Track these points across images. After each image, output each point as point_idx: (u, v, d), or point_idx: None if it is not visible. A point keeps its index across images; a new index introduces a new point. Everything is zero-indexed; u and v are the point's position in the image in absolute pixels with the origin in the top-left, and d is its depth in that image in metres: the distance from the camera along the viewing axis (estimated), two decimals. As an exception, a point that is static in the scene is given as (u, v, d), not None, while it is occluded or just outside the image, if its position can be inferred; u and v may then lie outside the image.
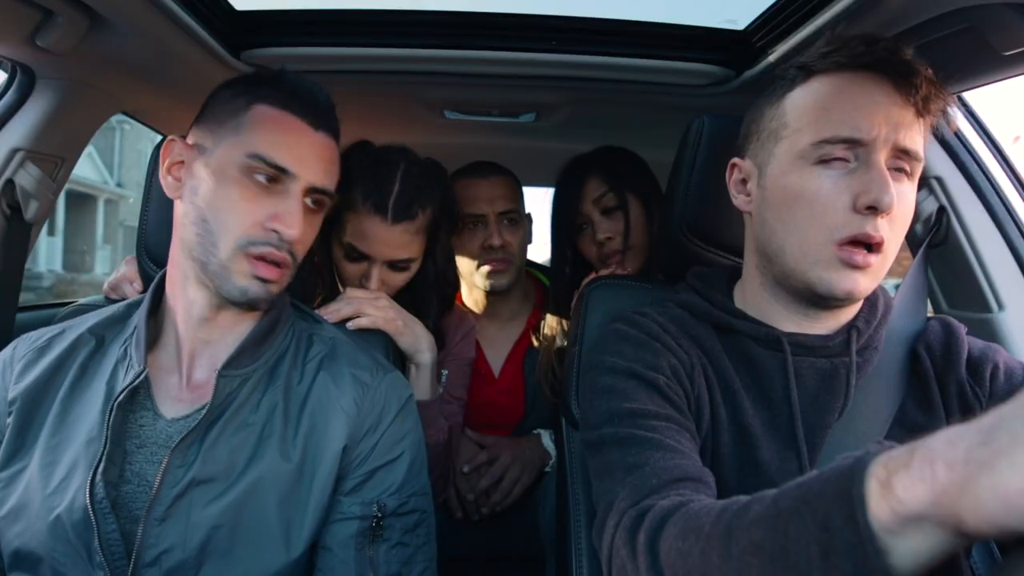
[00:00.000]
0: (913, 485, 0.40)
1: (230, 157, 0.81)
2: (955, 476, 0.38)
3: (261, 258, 0.81)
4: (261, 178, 0.81)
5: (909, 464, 0.41)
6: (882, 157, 0.72)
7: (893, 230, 0.73)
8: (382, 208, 1.14)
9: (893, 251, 0.75)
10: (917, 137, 0.73)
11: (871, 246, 0.72)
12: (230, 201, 0.80)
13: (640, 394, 0.76)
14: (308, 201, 0.85)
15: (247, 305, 0.84)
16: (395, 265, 1.20)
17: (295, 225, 0.81)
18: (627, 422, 0.73)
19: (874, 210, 0.70)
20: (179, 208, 0.85)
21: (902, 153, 0.72)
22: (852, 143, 0.72)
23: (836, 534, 0.43)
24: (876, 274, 0.74)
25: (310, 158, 0.84)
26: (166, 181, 0.85)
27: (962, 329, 0.84)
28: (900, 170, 0.73)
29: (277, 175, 0.81)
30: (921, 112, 0.72)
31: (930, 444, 0.40)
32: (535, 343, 1.58)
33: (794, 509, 0.47)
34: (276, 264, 0.82)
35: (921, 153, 0.73)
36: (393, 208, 1.14)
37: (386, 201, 1.14)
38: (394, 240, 1.16)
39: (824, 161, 0.73)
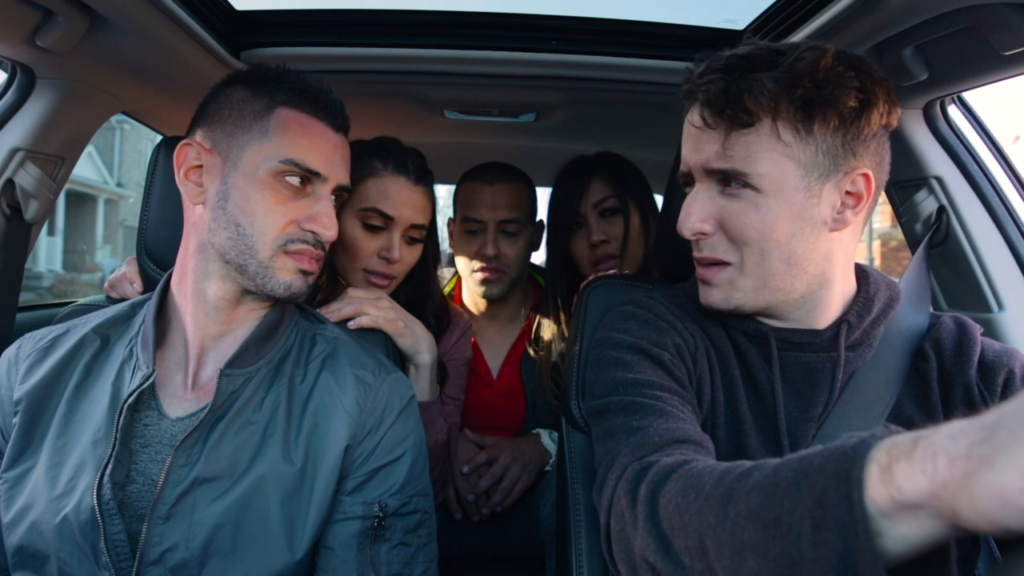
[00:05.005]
0: (913, 475, 0.40)
1: (259, 161, 0.82)
2: (955, 471, 0.38)
3: (299, 253, 0.84)
4: (293, 181, 0.84)
5: (911, 453, 0.41)
6: (702, 185, 0.78)
7: (737, 247, 0.76)
8: (404, 169, 1.19)
9: (752, 263, 0.76)
10: (732, 153, 0.73)
11: (712, 263, 0.78)
12: (264, 205, 0.82)
13: (645, 367, 0.78)
14: (332, 199, 0.88)
15: (289, 298, 0.86)
16: (411, 234, 1.22)
17: (332, 227, 0.86)
18: (631, 391, 0.75)
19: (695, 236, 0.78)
20: (199, 212, 0.85)
21: (715, 173, 0.76)
22: (687, 177, 0.80)
23: (830, 511, 0.44)
24: (731, 285, 0.78)
25: (336, 159, 0.88)
26: (186, 187, 0.86)
27: (977, 330, 0.83)
28: (732, 186, 0.75)
29: (309, 178, 0.85)
30: (734, 125, 0.73)
31: (933, 437, 0.41)
32: (530, 351, 1.58)
33: (793, 481, 0.48)
34: (313, 258, 0.86)
35: (743, 167, 0.73)
36: (415, 169, 1.20)
37: (407, 163, 1.20)
38: (416, 202, 1.21)
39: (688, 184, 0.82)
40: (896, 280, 0.90)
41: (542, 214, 1.67)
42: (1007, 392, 0.76)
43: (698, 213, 0.77)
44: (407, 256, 1.23)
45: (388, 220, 1.19)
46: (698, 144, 0.77)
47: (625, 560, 0.64)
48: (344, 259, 1.22)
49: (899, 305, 0.84)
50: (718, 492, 0.54)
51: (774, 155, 0.72)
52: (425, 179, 1.24)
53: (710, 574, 0.53)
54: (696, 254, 0.81)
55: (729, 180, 0.75)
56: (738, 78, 0.72)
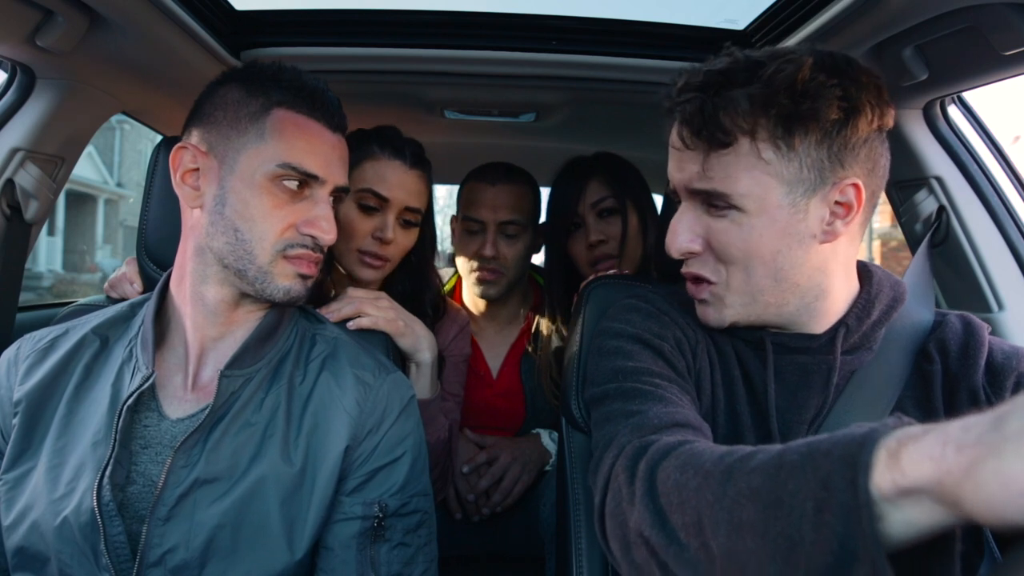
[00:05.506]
0: (920, 460, 0.41)
1: (257, 165, 0.82)
2: (962, 458, 0.38)
3: (298, 258, 0.84)
4: (291, 184, 0.83)
5: (921, 440, 0.41)
6: (688, 204, 0.78)
7: (724, 265, 0.76)
8: (401, 153, 1.22)
9: (738, 282, 0.76)
10: (712, 175, 0.73)
11: (698, 279, 0.79)
12: (262, 210, 0.82)
13: (645, 357, 0.78)
14: (330, 201, 0.88)
15: (288, 302, 0.86)
16: (406, 217, 1.24)
17: (331, 231, 0.85)
18: (631, 378, 0.76)
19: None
20: (196, 216, 0.85)
21: (698, 193, 0.75)
22: (675, 194, 0.80)
23: (834, 494, 0.44)
24: (720, 302, 0.79)
25: (334, 161, 0.87)
26: (183, 191, 0.85)
27: (984, 330, 0.80)
28: (713, 206, 0.75)
29: (307, 181, 0.84)
30: (712, 146, 0.72)
31: (946, 427, 0.41)
32: (529, 349, 1.58)
33: (799, 464, 0.48)
34: (312, 262, 0.86)
35: (723, 188, 0.73)
36: (411, 155, 1.23)
37: (403, 149, 1.23)
38: (411, 185, 1.23)
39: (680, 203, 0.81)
40: (901, 279, 0.89)
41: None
42: (1016, 395, 0.75)
43: (684, 233, 0.77)
44: (401, 239, 1.24)
45: (383, 202, 1.21)
46: (680, 164, 0.76)
47: (618, 536, 0.64)
48: (339, 240, 1.22)
49: (903, 306, 0.82)
50: (718, 470, 0.54)
51: (755, 174, 0.71)
52: (421, 165, 1.26)
53: (705, 551, 0.53)
54: (684, 269, 0.81)
55: (712, 200, 0.74)
56: (713, 96, 0.71)
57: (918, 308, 0.86)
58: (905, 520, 0.42)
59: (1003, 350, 0.78)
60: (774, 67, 0.70)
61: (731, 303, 0.78)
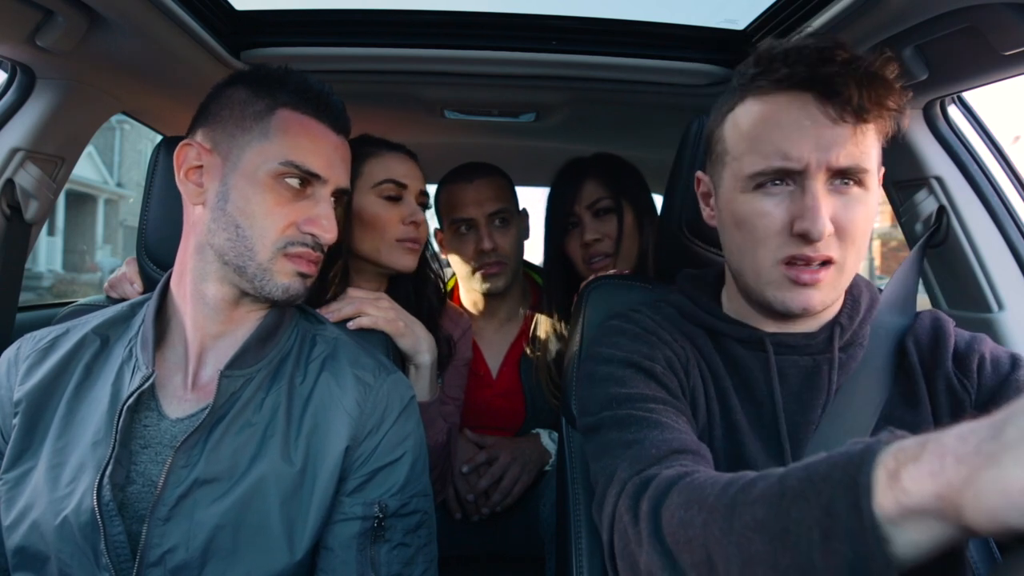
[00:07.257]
0: (921, 478, 0.40)
1: (260, 163, 0.82)
2: (962, 468, 0.38)
3: (298, 256, 0.84)
4: (293, 182, 0.84)
5: (919, 456, 0.41)
6: (817, 182, 0.71)
7: (845, 245, 0.73)
8: (398, 147, 1.32)
9: (852, 263, 0.75)
10: (856, 151, 0.70)
11: (826, 262, 0.73)
12: (264, 207, 0.82)
13: (637, 381, 0.77)
14: (332, 201, 0.88)
15: (287, 301, 0.86)
16: (421, 200, 1.31)
17: (331, 229, 0.86)
18: (625, 406, 0.75)
19: (806, 237, 0.71)
20: (198, 213, 0.85)
21: (840, 172, 0.72)
22: (785, 173, 0.72)
23: (839, 520, 0.44)
24: (832, 287, 0.74)
25: (336, 162, 0.88)
26: (186, 188, 0.85)
27: (950, 323, 0.84)
28: (846, 183, 0.72)
29: (309, 180, 0.85)
30: (861, 121, 0.70)
31: (942, 439, 0.41)
32: (527, 350, 1.58)
33: (799, 491, 0.48)
34: (312, 261, 0.87)
35: (864, 164, 0.71)
36: (405, 148, 1.33)
37: (397, 145, 1.32)
38: (416, 172, 1.32)
39: (762, 186, 0.74)
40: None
41: (530, 207, 1.68)
42: (981, 375, 0.77)
43: (827, 213, 0.72)
44: (424, 223, 1.29)
45: (402, 188, 1.27)
46: (819, 140, 0.70)
47: None
48: (374, 238, 1.24)
49: (878, 304, 0.84)
50: (722, 504, 0.53)
51: (877, 149, 0.73)
52: (415, 157, 1.34)
53: None
54: (814, 253, 0.72)
55: (844, 177, 0.72)
56: (863, 72, 0.69)
57: (901, 307, 0.88)
58: (910, 541, 0.42)
59: (964, 338, 0.82)
60: (868, 58, 0.71)
61: (839, 286, 0.76)
